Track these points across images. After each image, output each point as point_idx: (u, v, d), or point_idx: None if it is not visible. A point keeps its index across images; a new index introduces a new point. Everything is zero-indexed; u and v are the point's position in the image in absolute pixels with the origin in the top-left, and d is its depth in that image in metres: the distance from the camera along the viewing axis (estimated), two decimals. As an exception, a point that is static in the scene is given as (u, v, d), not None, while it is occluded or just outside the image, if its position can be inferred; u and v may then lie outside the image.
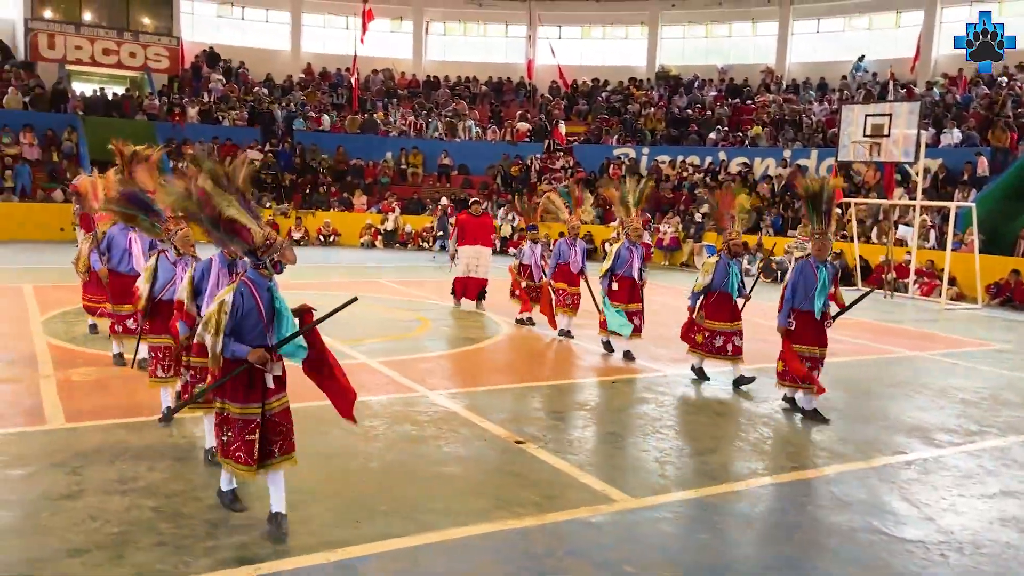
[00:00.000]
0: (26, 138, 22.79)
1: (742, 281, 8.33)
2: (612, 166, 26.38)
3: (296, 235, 23.18)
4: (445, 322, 11.73)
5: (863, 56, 26.95)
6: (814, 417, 7.23)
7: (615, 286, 9.40)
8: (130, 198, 6.37)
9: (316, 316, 4.60)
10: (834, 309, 7.48)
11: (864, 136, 17.26)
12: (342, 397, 4.85)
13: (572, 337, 10.56)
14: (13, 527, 4.44)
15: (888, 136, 16.79)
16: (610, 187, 10.49)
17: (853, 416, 7.60)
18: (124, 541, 4.30)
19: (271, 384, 4.54)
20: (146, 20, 28.89)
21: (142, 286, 6.39)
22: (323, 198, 25.14)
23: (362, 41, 28.75)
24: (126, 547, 4.24)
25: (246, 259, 4.52)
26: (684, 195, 24.27)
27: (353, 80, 29.15)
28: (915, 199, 17.58)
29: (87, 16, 27.91)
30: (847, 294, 17.29)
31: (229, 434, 4.51)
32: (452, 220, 17.63)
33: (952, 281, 16.60)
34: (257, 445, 4.46)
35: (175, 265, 6.24)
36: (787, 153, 24.49)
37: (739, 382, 8.29)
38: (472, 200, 13.86)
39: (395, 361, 8.79)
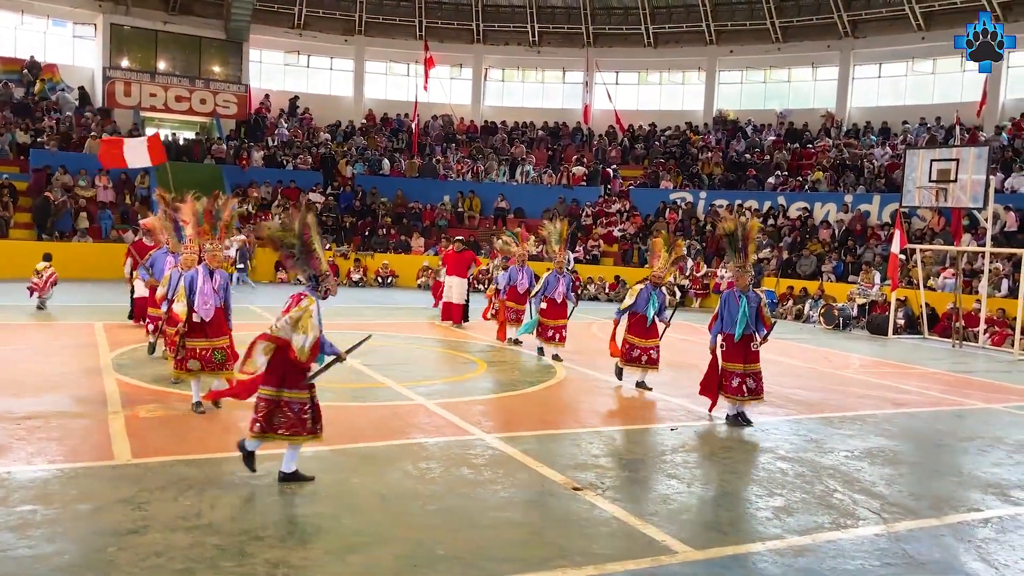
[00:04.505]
0: (101, 181, 23.74)
1: (660, 308, 9.96)
2: (668, 210, 26.30)
3: (355, 276, 23.58)
4: (501, 365, 11.74)
5: (924, 120, 26.45)
6: (737, 422, 8.45)
7: (544, 305, 11.97)
8: (173, 223, 9.38)
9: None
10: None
11: (930, 181, 16.91)
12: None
13: (520, 344, 13.12)
14: (81, 562, 4.52)
15: (955, 181, 16.42)
16: (542, 228, 12.80)
17: (924, 470, 7.33)
18: (187, 578, 4.35)
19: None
20: (216, 68, 30.07)
21: (160, 291, 8.95)
22: (382, 240, 25.56)
23: (425, 88, 29.44)
24: (189, 584, 4.29)
25: (304, 280, 5.98)
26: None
27: (413, 125, 29.75)
28: (984, 246, 17.10)
29: (161, 65, 29.18)
30: (912, 341, 17.03)
31: (287, 413, 5.76)
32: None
33: (1025, 331, 16.01)
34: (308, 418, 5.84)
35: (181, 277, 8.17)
36: (848, 198, 24.10)
37: (640, 384, 10.04)
38: (456, 239, 16.51)
39: (452, 403, 8.80)
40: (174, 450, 6.58)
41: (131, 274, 13.41)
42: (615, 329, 10.27)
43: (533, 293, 12.45)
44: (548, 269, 12.71)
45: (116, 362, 10.15)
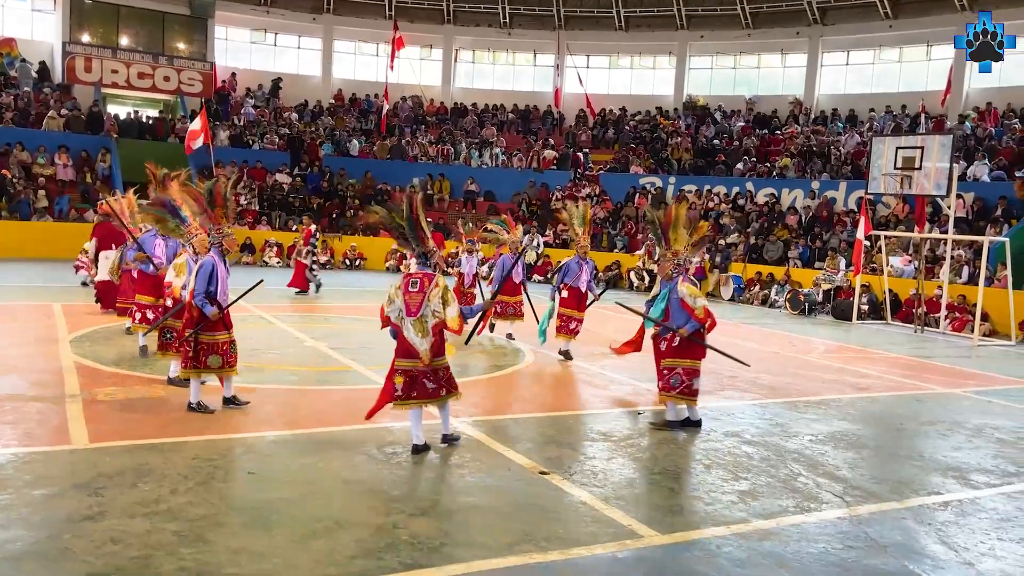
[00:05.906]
0: (61, 159, 23.19)
1: (591, 281, 10.64)
2: (638, 195, 26.35)
3: (323, 259, 23.33)
4: (470, 348, 11.66)
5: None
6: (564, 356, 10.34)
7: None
8: (164, 205, 7.82)
9: None
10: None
11: (895, 169, 17.09)
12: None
13: (513, 339, 12.25)
14: (35, 549, 4.40)
15: (919, 169, 16.61)
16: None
17: (886, 454, 7.42)
18: (145, 565, 4.25)
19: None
20: (181, 45, 29.45)
21: (175, 280, 7.80)
22: (350, 222, 25.31)
23: (391, 67, 29.10)
24: (147, 571, 4.19)
25: (415, 257, 6.51)
26: (710, 225, 24.10)
27: (383, 106, 29.43)
28: (946, 233, 17.35)
29: (124, 41, 28.51)
30: (875, 327, 17.23)
31: (433, 379, 6.49)
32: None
33: (985, 317, 16.29)
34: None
35: (194, 262, 7.50)
36: (815, 185, 24.32)
37: (564, 354, 10.66)
38: None
39: (419, 387, 8.70)
40: (133, 435, 6.44)
41: (96, 255, 13.15)
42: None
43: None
44: (512, 249, 12.30)
45: (74, 345, 9.93)
